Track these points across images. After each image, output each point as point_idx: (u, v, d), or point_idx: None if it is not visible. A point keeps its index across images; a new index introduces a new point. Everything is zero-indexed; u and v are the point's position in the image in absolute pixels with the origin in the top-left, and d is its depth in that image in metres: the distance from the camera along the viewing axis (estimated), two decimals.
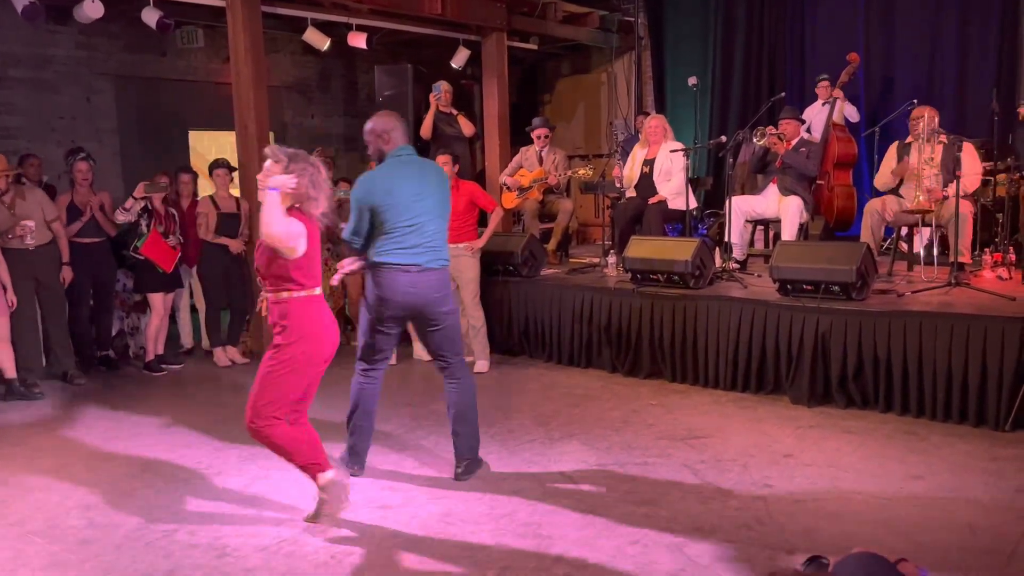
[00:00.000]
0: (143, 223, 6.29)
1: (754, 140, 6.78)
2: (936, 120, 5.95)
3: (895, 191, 6.17)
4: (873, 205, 6.10)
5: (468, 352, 5.57)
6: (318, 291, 3.47)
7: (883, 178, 6.22)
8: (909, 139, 6.15)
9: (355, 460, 4.07)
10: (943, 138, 5.79)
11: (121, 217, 6.31)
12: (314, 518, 3.56)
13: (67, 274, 6.11)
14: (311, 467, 3.51)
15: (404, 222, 3.81)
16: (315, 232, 3.43)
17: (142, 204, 6.28)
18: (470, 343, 6.12)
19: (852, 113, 7.91)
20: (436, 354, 4.07)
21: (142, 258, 6.26)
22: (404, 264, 3.82)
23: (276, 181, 3.31)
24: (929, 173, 5.78)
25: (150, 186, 6.27)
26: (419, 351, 6.66)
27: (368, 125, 3.97)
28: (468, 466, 4.05)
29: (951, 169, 5.71)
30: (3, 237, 5.75)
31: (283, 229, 3.27)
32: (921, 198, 5.63)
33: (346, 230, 3.90)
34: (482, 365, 6.25)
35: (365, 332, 4.00)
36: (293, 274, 3.35)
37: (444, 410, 4.28)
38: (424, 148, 7.95)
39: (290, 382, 3.39)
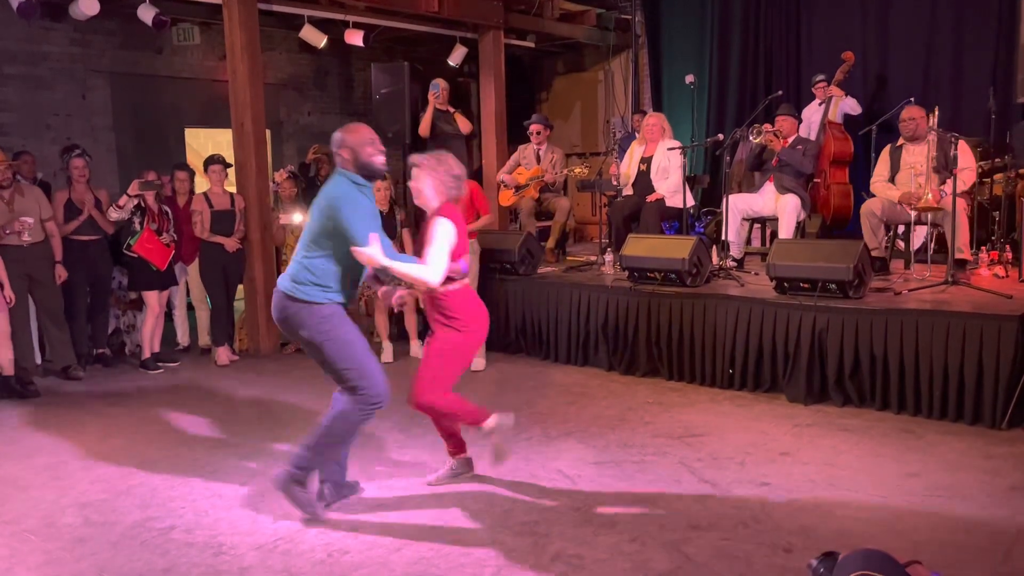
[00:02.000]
0: (136, 221, 6.27)
1: (750, 138, 6.77)
2: (931, 120, 5.93)
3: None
4: (869, 207, 6.09)
5: None
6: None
7: (881, 188, 6.14)
8: (900, 141, 6.13)
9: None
10: (936, 135, 5.79)
11: (115, 215, 6.29)
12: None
13: (61, 272, 6.10)
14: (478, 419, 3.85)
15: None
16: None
17: (135, 201, 6.26)
18: None
19: (853, 106, 7.90)
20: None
21: (136, 256, 6.25)
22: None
23: None
24: (930, 172, 5.78)
25: (144, 184, 6.25)
26: (416, 350, 6.64)
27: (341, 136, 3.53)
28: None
29: (946, 167, 5.69)
30: (0, 232, 5.73)
31: None
32: (929, 196, 5.62)
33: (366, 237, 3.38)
34: (479, 363, 6.23)
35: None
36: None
37: None
38: (423, 146, 7.95)
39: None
